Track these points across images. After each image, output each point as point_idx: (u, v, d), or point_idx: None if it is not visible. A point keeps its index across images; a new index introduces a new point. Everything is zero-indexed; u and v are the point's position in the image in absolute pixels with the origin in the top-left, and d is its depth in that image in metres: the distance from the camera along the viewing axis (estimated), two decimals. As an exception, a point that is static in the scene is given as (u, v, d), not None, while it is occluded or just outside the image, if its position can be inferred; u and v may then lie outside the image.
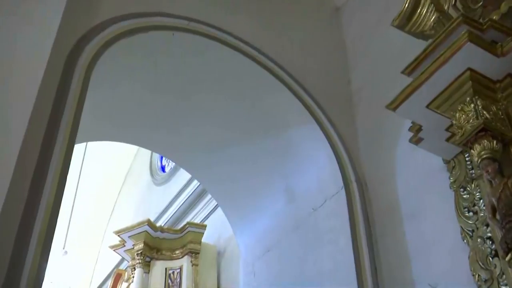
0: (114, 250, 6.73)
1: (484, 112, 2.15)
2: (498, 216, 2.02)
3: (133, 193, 9.49)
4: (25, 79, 2.18)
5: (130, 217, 8.50)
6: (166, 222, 7.19)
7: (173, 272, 6.22)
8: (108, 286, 7.62)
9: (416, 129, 2.51)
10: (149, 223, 6.39)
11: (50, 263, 2.08)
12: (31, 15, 2.38)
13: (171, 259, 6.33)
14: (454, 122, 2.27)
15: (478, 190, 2.36)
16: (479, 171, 2.29)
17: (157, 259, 6.33)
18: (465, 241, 2.36)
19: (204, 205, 6.64)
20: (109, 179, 9.97)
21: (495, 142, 2.11)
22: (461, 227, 2.39)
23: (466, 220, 2.38)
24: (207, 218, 6.54)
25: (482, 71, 2.22)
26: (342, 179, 3.13)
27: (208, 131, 3.59)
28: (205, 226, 6.33)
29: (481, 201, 2.32)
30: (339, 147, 3.24)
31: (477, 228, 2.31)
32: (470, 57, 2.18)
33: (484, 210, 2.26)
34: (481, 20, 2.31)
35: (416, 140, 2.54)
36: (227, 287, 5.94)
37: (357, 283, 2.77)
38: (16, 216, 1.88)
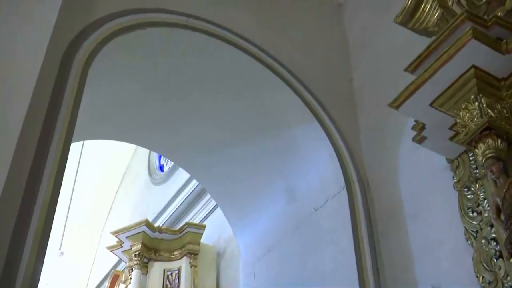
0: (111, 251, 6.74)
1: (489, 111, 2.15)
2: (502, 217, 2.02)
3: (131, 192, 9.50)
4: (21, 76, 2.18)
5: (127, 217, 8.51)
6: (165, 223, 7.20)
7: (171, 274, 6.22)
8: (105, 288, 7.63)
9: (419, 127, 2.51)
10: (147, 223, 6.39)
11: (46, 264, 2.08)
12: (27, 12, 2.37)
13: (170, 260, 6.33)
14: (458, 120, 2.27)
15: (483, 190, 2.36)
16: (483, 171, 2.29)
17: (155, 260, 6.34)
18: (469, 242, 2.36)
19: (203, 205, 6.65)
20: (107, 178, 9.97)
21: (499, 141, 2.11)
22: (465, 227, 2.39)
23: (470, 221, 2.38)
24: (206, 219, 6.55)
25: (487, 68, 2.22)
26: (344, 179, 3.13)
27: (207, 129, 3.59)
28: (204, 226, 6.33)
29: (486, 201, 2.32)
30: (341, 146, 3.24)
31: (481, 229, 2.31)
32: (474, 54, 2.18)
33: (488, 210, 2.26)
34: (485, 17, 2.31)
35: (419, 139, 2.54)
36: (226, 288, 5.95)
37: (358, 284, 2.77)
38: (11, 216, 1.88)
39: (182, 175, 6.93)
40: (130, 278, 6.29)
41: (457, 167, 2.53)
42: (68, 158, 2.22)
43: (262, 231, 3.69)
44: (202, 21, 3.12)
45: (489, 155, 2.10)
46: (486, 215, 2.29)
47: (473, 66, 2.20)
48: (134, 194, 9.29)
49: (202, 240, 6.27)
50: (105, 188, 10.04)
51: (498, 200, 2.05)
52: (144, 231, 6.30)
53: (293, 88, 3.33)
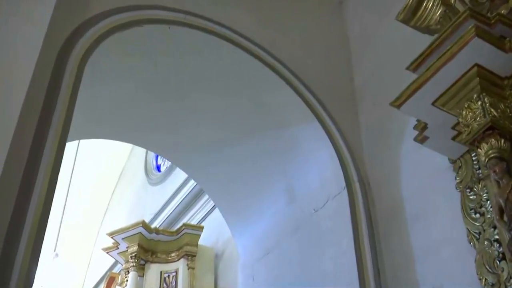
0: (107, 253, 6.73)
1: (492, 110, 2.15)
2: (505, 218, 2.03)
3: (127, 193, 9.49)
4: (16, 73, 2.18)
5: (124, 218, 8.51)
6: (162, 224, 7.20)
7: (168, 276, 6.22)
8: (101, 290, 7.63)
9: (421, 127, 2.51)
10: (144, 224, 6.39)
11: (40, 266, 2.08)
12: (22, 8, 2.37)
13: (167, 262, 6.33)
14: (460, 120, 2.27)
15: (485, 190, 2.36)
16: (486, 171, 2.29)
17: (152, 262, 6.33)
18: (471, 243, 2.36)
19: (201, 206, 6.64)
20: (103, 178, 9.97)
21: (503, 140, 2.11)
22: (468, 229, 2.39)
23: (473, 222, 2.38)
24: (204, 220, 6.54)
25: (490, 67, 2.22)
26: (344, 179, 3.13)
27: (206, 129, 3.59)
28: (202, 227, 6.33)
29: (488, 202, 2.32)
30: (341, 145, 3.25)
31: (484, 230, 2.31)
32: (477, 52, 2.18)
33: (491, 211, 2.27)
34: (488, 15, 2.32)
35: (421, 139, 2.54)
36: (224, 291, 5.94)
37: (359, 285, 2.78)
38: (5, 217, 1.88)
39: (179, 175, 6.93)
40: (127, 281, 6.28)
41: (460, 167, 2.54)
42: (63, 158, 2.22)
43: (261, 233, 3.69)
44: (200, 19, 3.13)
45: (492, 155, 2.11)
46: (489, 216, 2.29)
47: (476, 65, 2.20)
48: (131, 194, 9.29)
49: (200, 242, 6.26)
50: (101, 189, 10.03)
51: (501, 201, 2.05)
52: (140, 233, 6.29)
53: (293, 87, 3.33)
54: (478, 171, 2.43)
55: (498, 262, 2.18)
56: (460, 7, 2.46)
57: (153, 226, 6.78)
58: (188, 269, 6.12)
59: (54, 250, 8.65)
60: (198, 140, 3.66)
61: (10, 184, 1.94)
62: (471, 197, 2.43)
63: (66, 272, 9.42)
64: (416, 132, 2.56)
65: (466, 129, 2.22)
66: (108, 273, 7.83)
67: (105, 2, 2.77)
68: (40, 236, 1.97)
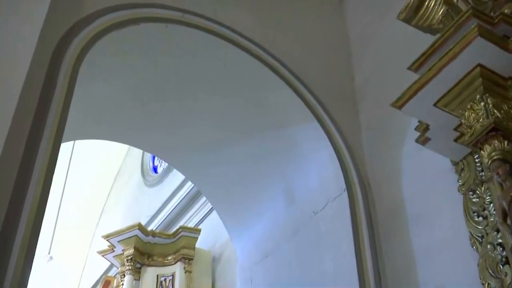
0: (102, 256, 6.72)
1: (495, 111, 2.15)
2: (509, 221, 2.03)
3: (123, 195, 9.48)
4: (10, 73, 2.18)
5: (119, 220, 8.50)
6: (158, 226, 7.19)
7: (165, 279, 6.21)
8: (96, 294, 7.62)
9: (423, 128, 2.51)
10: (140, 227, 6.38)
11: (34, 269, 2.07)
12: (16, 6, 2.37)
13: (163, 265, 6.32)
14: (463, 121, 2.27)
15: (488, 193, 2.36)
16: (489, 173, 2.29)
17: (148, 265, 6.33)
18: (474, 247, 2.36)
19: (199, 208, 6.64)
20: (98, 180, 9.96)
21: (506, 142, 2.11)
22: (470, 232, 2.39)
23: (475, 225, 2.38)
24: (201, 222, 6.54)
25: (493, 67, 2.22)
26: (345, 180, 3.13)
27: (203, 129, 3.59)
28: (200, 230, 6.32)
29: (491, 205, 2.32)
30: (341, 146, 3.25)
31: (487, 234, 2.31)
32: (480, 52, 2.18)
33: (494, 214, 2.27)
34: (492, 14, 2.32)
35: (423, 140, 2.55)
36: (222, 295, 5.94)
37: (359, 289, 2.78)
38: (-2, 219, 1.88)
39: (176, 176, 6.93)
40: (122, 284, 6.27)
41: (462, 169, 2.54)
42: (58, 158, 2.21)
43: (259, 235, 3.69)
44: (198, 17, 3.13)
45: (495, 157, 2.10)
46: (492, 219, 2.29)
47: (479, 65, 2.21)
48: (127, 196, 9.28)
49: (197, 245, 6.26)
50: (96, 190, 10.02)
51: (504, 204, 2.05)
52: (136, 235, 6.28)
53: (293, 87, 3.33)
54: (481, 173, 2.43)
55: (501, 266, 2.18)
56: (462, 6, 2.46)
57: (149, 228, 6.78)
58: (185, 272, 6.11)
59: (49, 253, 8.64)
60: (196, 141, 3.66)
61: (3, 185, 1.94)
62: (473, 200, 2.43)
63: (61, 275, 9.40)
64: (417, 133, 2.56)
65: (468, 130, 2.22)
66: (104, 276, 7.81)
67: (101, 0, 2.76)
68: (34, 239, 1.97)
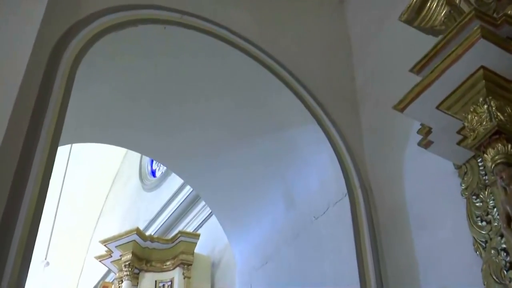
0: (100, 261, 6.71)
1: (498, 114, 2.15)
2: (513, 226, 2.02)
3: (121, 199, 9.47)
4: (6, 75, 2.18)
5: (117, 225, 8.49)
6: (156, 231, 7.18)
7: (163, 285, 6.21)
8: (94, 300, 7.60)
9: (425, 131, 2.51)
10: (138, 231, 6.37)
11: (31, 275, 2.07)
12: (13, 6, 2.37)
13: (162, 271, 6.31)
14: (466, 124, 2.27)
15: (492, 197, 2.35)
16: (493, 177, 2.29)
17: (147, 271, 6.32)
18: (477, 252, 2.35)
19: (197, 212, 6.64)
20: (95, 184, 9.95)
21: (510, 145, 2.10)
22: (474, 237, 2.39)
23: (479, 230, 2.38)
24: (200, 227, 6.53)
25: (496, 69, 2.22)
26: (346, 184, 3.13)
27: (202, 133, 3.59)
28: (198, 235, 6.32)
29: (495, 209, 2.31)
30: (342, 149, 3.24)
31: (491, 239, 2.30)
32: (483, 54, 2.18)
33: (498, 219, 2.26)
34: (495, 15, 2.32)
35: (425, 144, 2.54)
36: (221, 300, 5.93)
37: (361, 294, 2.77)
38: (-6, 223, 1.88)
39: (175, 180, 6.92)
40: (120, 290, 6.27)
41: (465, 173, 2.53)
42: (55, 162, 2.21)
43: (259, 240, 3.68)
44: (197, 18, 3.13)
45: (498, 161, 2.10)
46: (496, 224, 2.29)
47: (482, 67, 2.20)
48: (125, 200, 9.27)
49: (196, 250, 6.25)
50: (94, 194, 10.01)
51: (508, 208, 2.05)
52: (134, 240, 6.27)
53: (293, 89, 3.33)
54: (484, 177, 2.42)
55: (505, 271, 2.18)
56: (465, 7, 2.46)
57: (147, 233, 6.77)
58: (184, 278, 6.10)
59: (45, 258, 8.63)
60: (194, 144, 3.65)
61: (0, 190, 1.94)
62: (477, 204, 2.43)
63: (57, 281, 9.39)
64: (420, 137, 2.56)
65: (471, 133, 2.22)
66: (101, 282, 7.81)
67: (99, 1, 2.77)
68: (30, 244, 1.96)
